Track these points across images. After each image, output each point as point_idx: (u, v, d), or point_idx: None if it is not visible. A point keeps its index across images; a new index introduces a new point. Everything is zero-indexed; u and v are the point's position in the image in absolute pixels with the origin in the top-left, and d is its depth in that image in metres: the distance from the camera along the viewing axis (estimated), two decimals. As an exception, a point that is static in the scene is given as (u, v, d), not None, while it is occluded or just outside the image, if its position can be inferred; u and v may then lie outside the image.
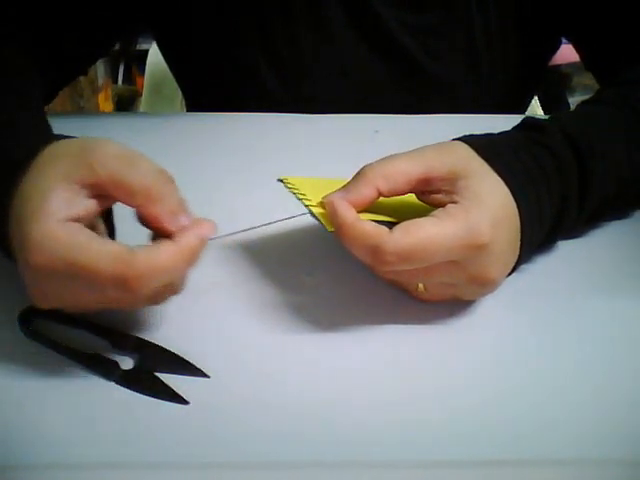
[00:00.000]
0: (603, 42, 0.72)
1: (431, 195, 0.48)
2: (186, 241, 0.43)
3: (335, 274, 0.53)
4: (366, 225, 0.45)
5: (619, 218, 0.59)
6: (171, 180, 0.45)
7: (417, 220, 0.45)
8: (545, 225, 0.51)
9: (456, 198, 0.46)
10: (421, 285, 0.48)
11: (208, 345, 0.48)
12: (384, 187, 0.47)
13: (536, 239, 0.50)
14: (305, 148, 0.67)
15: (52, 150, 0.45)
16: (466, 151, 0.49)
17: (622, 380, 0.47)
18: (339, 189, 0.48)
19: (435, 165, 0.47)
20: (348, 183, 0.48)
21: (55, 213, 0.42)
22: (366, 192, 0.47)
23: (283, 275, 0.52)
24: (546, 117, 0.55)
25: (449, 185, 0.47)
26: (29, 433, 0.42)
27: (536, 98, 1.17)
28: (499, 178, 0.48)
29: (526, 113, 0.88)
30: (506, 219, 0.47)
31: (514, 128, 0.54)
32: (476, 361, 0.48)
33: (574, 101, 1.76)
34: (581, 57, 0.77)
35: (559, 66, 1.67)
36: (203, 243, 0.43)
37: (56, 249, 0.41)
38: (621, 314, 0.51)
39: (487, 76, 0.76)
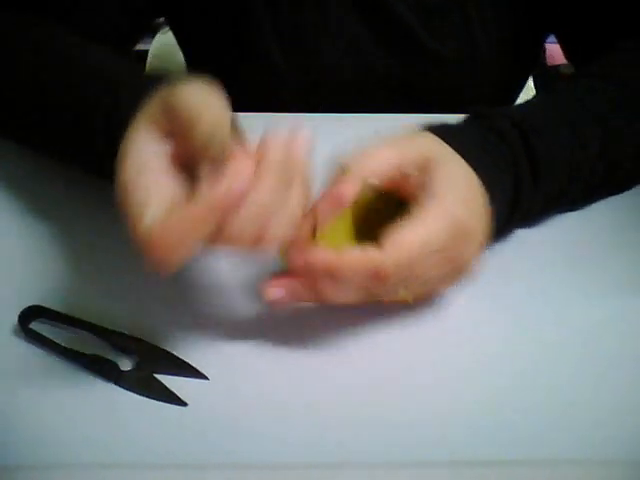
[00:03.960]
0: (583, 33, 0.72)
1: (403, 186, 0.47)
2: None
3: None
4: (352, 253, 0.43)
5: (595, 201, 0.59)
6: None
7: (400, 228, 0.44)
8: (504, 206, 0.51)
9: (430, 188, 0.46)
10: (403, 292, 0.46)
11: (207, 347, 0.48)
12: (373, 175, 0.46)
13: (499, 219, 0.50)
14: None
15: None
16: (432, 138, 0.49)
17: (622, 380, 0.47)
18: (328, 189, 0.46)
19: (406, 150, 0.47)
20: (331, 181, 0.46)
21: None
22: (353, 187, 0.45)
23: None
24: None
25: (420, 170, 0.47)
26: (29, 433, 0.42)
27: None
28: (464, 161, 0.48)
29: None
30: (475, 198, 0.48)
31: (467, 117, 0.55)
32: (476, 362, 0.47)
33: (574, 101, 1.75)
34: (562, 48, 0.77)
35: (559, 66, 1.67)
36: None
37: None
38: (622, 314, 0.51)
39: (485, 54, 0.76)
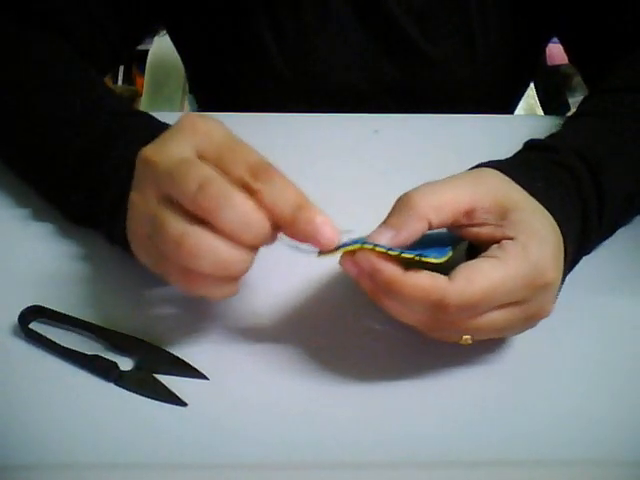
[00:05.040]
0: (586, 35, 0.72)
1: (473, 229, 0.44)
2: None
3: (335, 275, 0.53)
4: (421, 278, 0.41)
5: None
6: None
7: (477, 264, 0.42)
8: (575, 246, 0.48)
9: (510, 233, 0.43)
10: (466, 337, 0.44)
11: (207, 347, 0.48)
12: (435, 220, 0.43)
13: (570, 260, 0.48)
14: (305, 148, 0.67)
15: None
16: (503, 179, 0.46)
17: (623, 380, 0.47)
18: (385, 226, 0.43)
19: (479, 195, 0.44)
20: (394, 218, 0.43)
21: None
22: (418, 227, 0.43)
23: (283, 279, 0.52)
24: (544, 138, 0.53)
25: (497, 218, 0.44)
26: (29, 433, 0.42)
27: (536, 98, 1.17)
28: (544, 209, 0.45)
29: (525, 113, 0.88)
30: (562, 252, 0.45)
31: (525, 149, 0.52)
32: (475, 360, 0.47)
33: (574, 101, 1.75)
34: (565, 49, 0.76)
35: (559, 66, 1.67)
36: None
37: None
38: (624, 315, 0.51)
39: (484, 59, 0.76)
